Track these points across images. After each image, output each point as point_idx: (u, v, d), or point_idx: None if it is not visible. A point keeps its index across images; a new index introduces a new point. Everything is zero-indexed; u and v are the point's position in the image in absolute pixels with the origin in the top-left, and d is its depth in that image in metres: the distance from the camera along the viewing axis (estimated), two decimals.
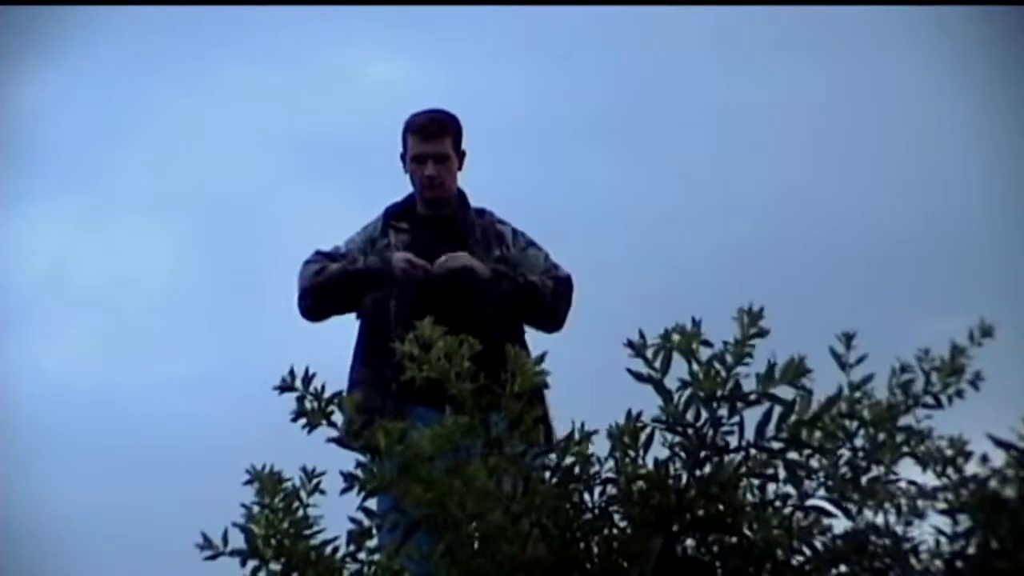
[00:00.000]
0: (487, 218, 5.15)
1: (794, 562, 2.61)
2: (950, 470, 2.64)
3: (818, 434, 2.61)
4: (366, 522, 2.72)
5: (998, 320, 2.68)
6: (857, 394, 2.63)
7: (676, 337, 2.60)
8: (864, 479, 2.63)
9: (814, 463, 2.64)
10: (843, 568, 2.59)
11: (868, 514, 2.63)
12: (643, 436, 2.71)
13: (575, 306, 5.05)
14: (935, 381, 2.66)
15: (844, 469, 2.64)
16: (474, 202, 5.15)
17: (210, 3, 8.58)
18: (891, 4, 7.41)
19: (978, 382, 2.66)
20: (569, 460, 2.74)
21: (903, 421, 2.65)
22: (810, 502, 2.64)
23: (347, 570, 2.72)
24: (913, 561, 2.58)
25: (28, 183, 9.95)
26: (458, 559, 2.57)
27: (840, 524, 2.64)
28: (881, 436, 2.62)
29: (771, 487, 2.65)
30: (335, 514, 2.82)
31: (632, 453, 2.71)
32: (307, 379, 2.81)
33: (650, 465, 2.69)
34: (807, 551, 2.61)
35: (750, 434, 2.62)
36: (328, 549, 2.73)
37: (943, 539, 2.58)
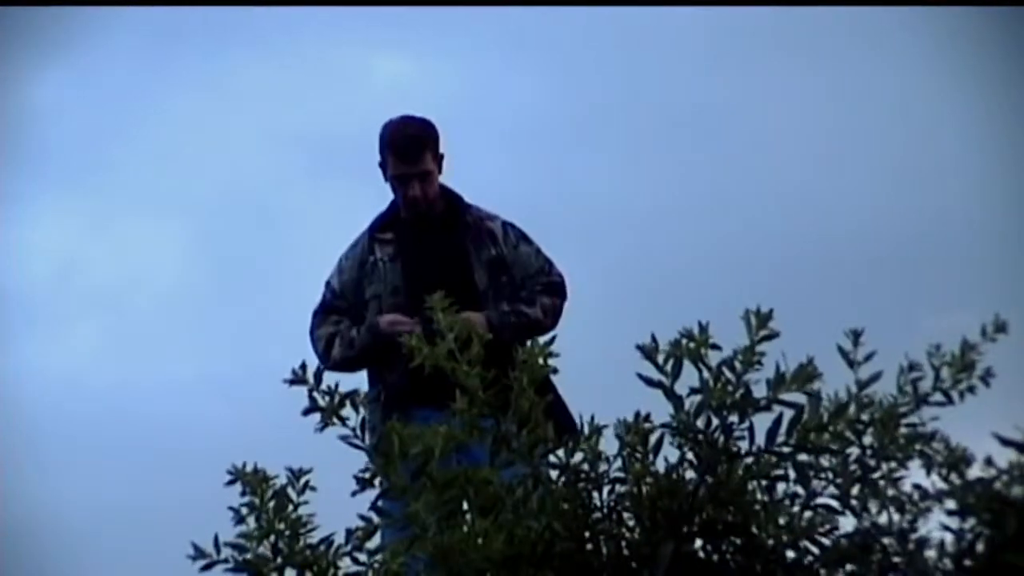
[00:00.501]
0: (474, 214, 5.11)
1: (802, 560, 2.62)
2: (954, 474, 2.64)
3: (827, 436, 2.61)
4: (376, 521, 2.73)
5: (1004, 316, 2.68)
6: (865, 397, 2.63)
7: (686, 343, 2.61)
8: (872, 477, 2.64)
9: (823, 461, 2.64)
10: (851, 567, 2.60)
11: (875, 513, 2.64)
12: (653, 440, 2.72)
13: (578, 307, 5.05)
14: (945, 377, 2.67)
15: (853, 467, 2.65)
16: (474, 200, 5.14)
17: (217, 3, 8.59)
18: (891, 4, 7.41)
19: (988, 378, 2.67)
20: (578, 457, 2.75)
21: (912, 419, 2.65)
22: (818, 501, 2.65)
23: (344, 570, 2.72)
24: (920, 559, 2.59)
25: (37, 183, 9.96)
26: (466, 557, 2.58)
27: (848, 523, 2.65)
28: (890, 435, 2.62)
29: (780, 486, 2.66)
30: (333, 511, 2.83)
31: (640, 452, 2.72)
32: (319, 375, 2.82)
33: (660, 467, 2.70)
34: (815, 550, 2.62)
35: (760, 438, 2.62)
36: (327, 548, 2.72)
37: (951, 538, 2.58)
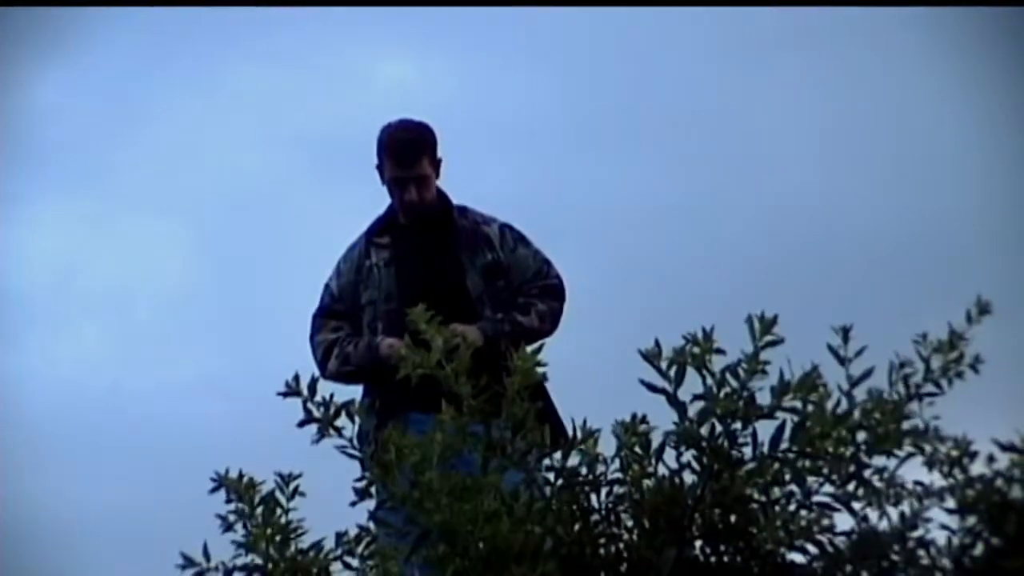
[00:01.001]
0: (471, 219, 5.08)
1: (800, 561, 2.62)
2: (956, 471, 2.64)
3: (829, 440, 2.61)
4: (376, 531, 2.73)
5: (1001, 319, 2.69)
6: (864, 397, 2.63)
7: (691, 349, 2.60)
8: (867, 473, 2.64)
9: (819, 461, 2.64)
10: (850, 568, 2.60)
11: (873, 512, 2.65)
12: (654, 445, 2.72)
13: (578, 310, 5.04)
14: (934, 367, 2.67)
15: (849, 465, 2.65)
16: (477, 203, 5.12)
17: (218, 4, 8.59)
18: (892, 5, 7.42)
19: (977, 364, 2.67)
20: (574, 460, 2.75)
21: (905, 411, 2.65)
22: (815, 499, 2.65)
23: (336, 574, 2.70)
24: (920, 558, 2.59)
25: (38, 184, 9.94)
26: (466, 570, 2.57)
27: (845, 522, 2.65)
28: (884, 429, 2.62)
29: (776, 487, 2.66)
30: (333, 513, 2.82)
31: (639, 454, 2.72)
32: (312, 386, 2.79)
33: (660, 471, 2.70)
34: (813, 549, 2.62)
35: (762, 442, 2.62)
36: (316, 553, 2.70)
37: (951, 536, 2.59)
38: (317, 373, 4.85)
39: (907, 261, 8.77)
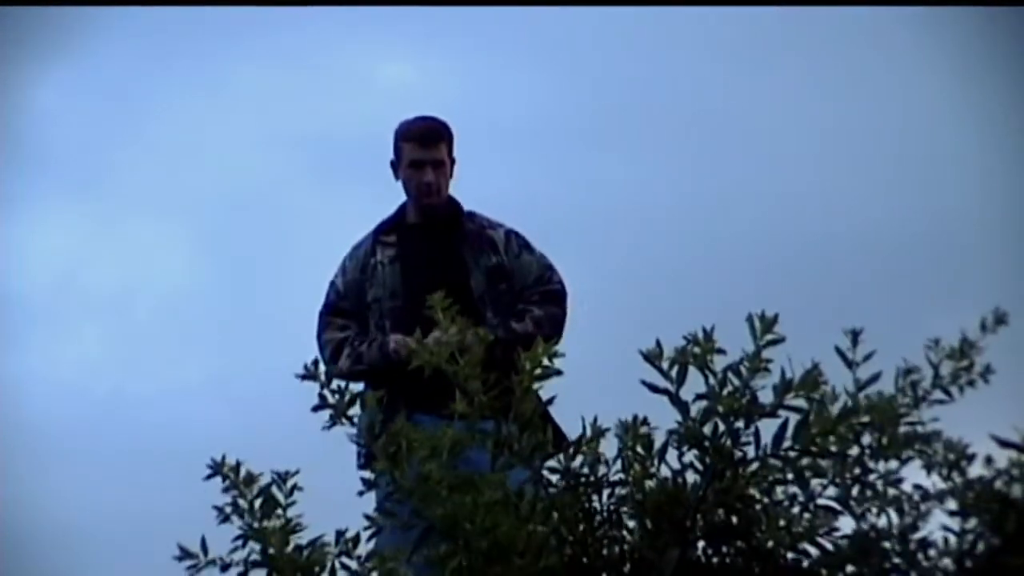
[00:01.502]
0: (477, 222, 5.09)
1: (802, 563, 2.62)
2: (955, 473, 2.64)
3: (831, 439, 2.61)
4: (381, 522, 2.73)
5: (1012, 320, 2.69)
6: (867, 398, 2.63)
7: (692, 349, 2.60)
8: (871, 477, 2.64)
9: (821, 462, 2.64)
10: (851, 568, 2.60)
11: (875, 514, 2.64)
12: (657, 445, 2.72)
13: (581, 310, 5.04)
14: (944, 374, 2.67)
15: (853, 468, 2.65)
16: (481, 204, 5.13)
17: (219, 4, 8.59)
18: (894, 4, 7.42)
19: (988, 374, 2.67)
20: (578, 461, 2.75)
21: (912, 419, 2.65)
22: (817, 502, 2.65)
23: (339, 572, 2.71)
24: (922, 559, 2.59)
25: (38, 185, 9.95)
26: (469, 567, 2.57)
27: (847, 524, 2.65)
28: (888, 434, 2.62)
29: (778, 488, 2.66)
30: (337, 513, 2.82)
31: (641, 455, 2.72)
32: (329, 373, 2.80)
33: (663, 471, 2.70)
34: (814, 551, 2.62)
35: (765, 441, 2.62)
36: (314, 551, 2.68)
37: (952, 537, 2.59)
38: (326, 368, 4.90)
39: (910, 261, 8.77)
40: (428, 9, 8.96)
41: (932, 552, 2.59)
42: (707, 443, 2.59)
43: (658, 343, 2.62)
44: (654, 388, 2.62)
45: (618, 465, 2.75)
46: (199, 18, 9.03)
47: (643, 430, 2.74)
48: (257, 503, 2.73)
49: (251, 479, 2.75)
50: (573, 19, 9.53)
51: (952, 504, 2.62)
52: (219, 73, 10.56)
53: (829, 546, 2.62)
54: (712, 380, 2.58)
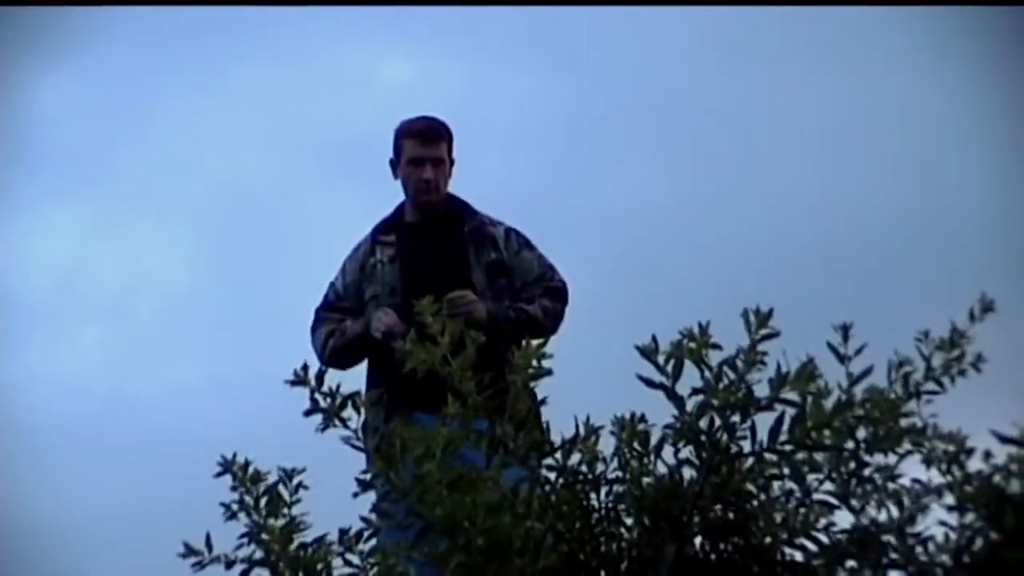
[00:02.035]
0: (478, 220, 5.08)
1: (799, 558, 2.62)
2: (954, 467, 2.64)
3: (827, 432, 2.61)
4: (378, 522, 2.73)
5: (1004, 316, 2.69)
6: (862, 392, 2.63)
7: (687, 343, 2.60)
8: (867, 471, 2.64)
9: (817, 457, 2.64)
10: (849, 563, 2.60)
11: (873, 509, 2.64)
12: (653, 441, 2.72)
13: (579, 308, 5.04)
14: (936, 365, 2.67)
15: (849, 462, 2.64)
16: (480, 203, 5.12)
17: (221, 4, 8.60)
18: (898, 5, 7.42)
19: (979, 364, 2.67)
20: (575, 459, 2.75)
21: (906, 410, 2.65)
22: (814, 497, 2.65)
23: (337, 571, 2.70)
24: (920, 554, 2.59)
25: (40, 186, 9.96)
26: (467, 565, 2.57)
27: (845, 518, 2.65)
28: (884, 428, 2.62)
29: (775, 484, 2.66)
30: (339, 512, 2.83)
31: (638, 450, 2.72)
32: (320, 376, 2.81)
33: (660, 469, 2.70)
34: (812, 547, 2.62)
35: (761, 436, 2.62)
36: (318, 549, 2.70)
37: (950, 532, 2.59)
38: (319, 364, 4.92)
39: (908, 259, 8.78)
40: (430, 9, 8.96)
41: (930, 547, 2.59)
42: (703, 437, 2.59)
43: (654, 338, 2.62)
44: (650, 383, 2.62)
45: (615, 463, 2.74)
46: (201, 18, 9.05)
47: (640, 427, 2.73)
48: (263, 501, 2.74)
49: (258, 477, 2.76)
50: (573, 19, 9.54)
51: (951, 499, 2.62)
52: (221, 73, 10.58)
53: (826, 541, 2.62)
54: (708, 374, 2.58)
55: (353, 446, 2.83)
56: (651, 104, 10.21)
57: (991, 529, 2.54)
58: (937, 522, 2.61)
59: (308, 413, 2.80)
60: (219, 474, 2.77)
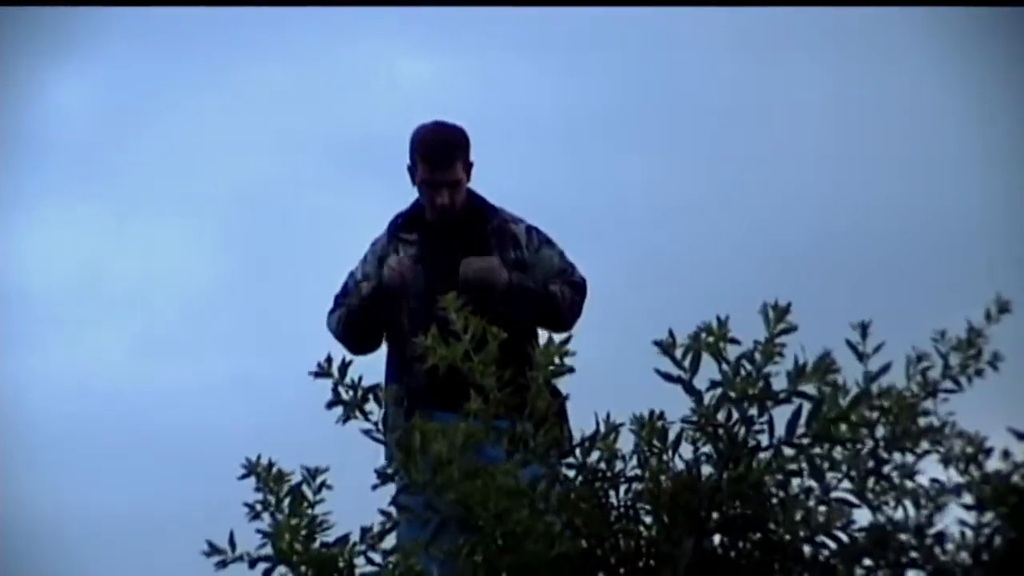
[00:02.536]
0: (499, 217, 5.06)
1: (819, 556, 2.62)
2: (972, 467, 2.64)
3: (844, 427, 2.61)
4: (396, 516, 2.74)
5: (1020, 314, 2.69)
6: (879, 387, 2.63)
7: (705, 337, 2.61)
8: (886, 469, 2.64)
9: (836, 455, 2.65)
10: (868, 561, 2.60)
11: (891, 507, 2.64)
12: (672, 436, 2.73)
13: (596, 305, 5.04)
14: (953, 364, 2.68)
15: (868, 460, 2.65)
16: (497, 200, 5.12)
17: (238, 3, 8.61)
18: (907, 5, 7.42)
19: (996, 362, 2.68)
20: (594, 457, 2.76)
21: (924, 407, 2.66)
22: (834, 495, 2.65)
23: (360, 569, 2.72)
24: (938, 553, 2.59)
25: (58, 185, 9.99)
26: (485, 558, 2.59)
27: (864, 517, 2.65)
28: (903, 426, 2.62)
29: (795, 481, 2.66)
30: (358, 511, 2.84)
31: (657, 448, 2.73)
32: (343, 367, 2.83)
33: (678, 464, 2.71)
34: (831, 544, 2.62)
35: (779, 431, 2.63)
36: (341, 548, 2.72)
37: (968, 531, 2.59)
38: (334, 335, 4.92)
39: (920, 257, 8.76)
40: (447, 8, 8.97)
41: (949, 546, 2.59)
42: (720, 431, 2.60)
43: (671, 332, 2.63)
44: (668, 377, 2.63)
45: (634, 461, 2.75)
46: (216, 17, 9.06)
47: (658, 424, 2.74)
48: (287, 501, 2.76)
49: (281, 476, 2.78)
50: (589, 17, 9.53)
51: (969, 498, 2.62)
52: (237, 71, 10.57)
53: (845, 539, 2.63)
54: (725, 367, 2.59)
55: (373, 438, 2.84)
56: (668, 103, 10.21)
57: (1009, 528, 2.54)
58: (955, 521, 2.61)
59: (330, 405, 2.81)
60: (243, 476, 2.78)
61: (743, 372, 2.60)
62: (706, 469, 2.66)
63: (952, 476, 2.65)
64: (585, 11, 9.14)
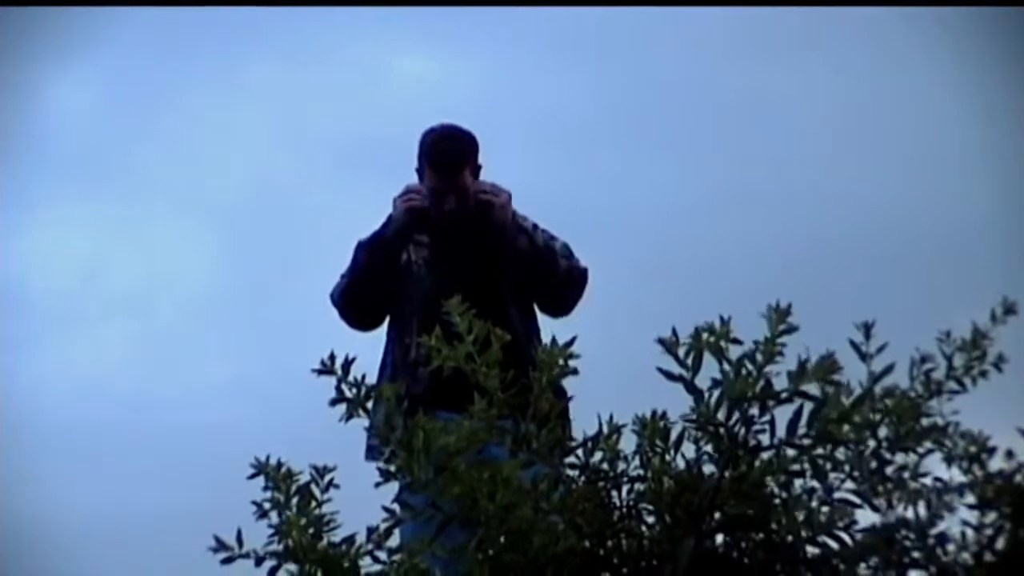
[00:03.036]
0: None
1: (822, 556, 2.62)
2: (975, 466, 2.63)
3: (846, 427, 2.61)
4: (400, 514, 2.74)
5: (1022, 316, 2.68)
6: (882, 387, 2.63)
7: (706, 336, 2.61)
8: (889, 470, 2.64)
9: (839, 455, 2.64)
10: (871, 562, 2.60)
11: (895, 507, 2.64)
12: (673, 435, 2.72)
13: (598, 305, 5.03)
14: (957, 365, 2.67)
15: (870, 461, 2.64)
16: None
17: (238, 3, 8.61)
18: (912, 5, 7.41)
19: (1001, 364, 2.67)
20: (597, 457, 2.76)
21: (929, 411, 2.65)
22: (836, 495, 2.65)
23: (365, 569, 2.71)
24: (941, 553, 2.58)
25: (60, 186, 9.99)
26: (488, 554, 2.59)
27: (867, 517, 2.64)
28: (906, 427, 2.62)
29: (797, 482, 2.66)
30: (363, 513, 2.83)
31: (660, 448, 2.72)
32: (347, 365, 2.82)
33: (680, 464, 2.71)
34: (834, 545, 2.61)
35: (780, 431, 2.62)
36: (347, 547, 2.71)
37: (971, 532, 2.58)
38: (335, 291, 4.92)
39: (926, 258, 8.76)
40: (449, 7, 8.97)
41: (951, 546, 2.59)
42: (721, 430, 2.60)
43: (674, 331, 2.63)
44: (670, 375, 2.63)
45: (636, 461, 2.75)
46: (219, 16, 9.05)
47: (660, 424, 2.74)
48: (295, 500, 2.75)
49: (289, 475, 2.78)
50: (593, 16, 9.53)
51: (972, 498, 2.61)
52: (240, 71, 10.59)
53: (848, 539, 2.62)
54: (727, 366, 2.58)
55: (377, 436, 2.84)
56: (672, 103, 10.21)
57: (1013, 528, 2.53)
58: (959, 521, 2.60)
59: (333, 403, 2.81)
60: (253, 475, 2.78)
61: (744, 371, 2.59)
62: (708, 468, 2.66)
63: (955, 475, 2.65)
64: (588, 10, 9.14)
